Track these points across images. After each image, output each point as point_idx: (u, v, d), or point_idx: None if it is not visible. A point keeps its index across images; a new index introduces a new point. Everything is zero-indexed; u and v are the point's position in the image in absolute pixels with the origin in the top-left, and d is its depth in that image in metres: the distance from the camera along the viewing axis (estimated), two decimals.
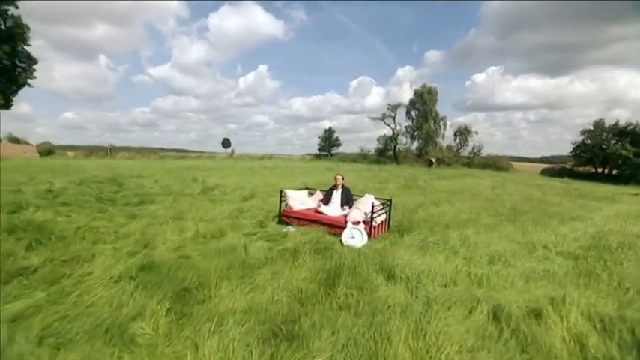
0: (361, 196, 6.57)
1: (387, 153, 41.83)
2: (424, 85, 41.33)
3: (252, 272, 3.56)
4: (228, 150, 55.17)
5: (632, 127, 27.19)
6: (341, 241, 5.26)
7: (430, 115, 40.97)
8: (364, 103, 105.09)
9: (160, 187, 10.48)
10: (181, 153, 46.83)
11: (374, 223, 5.48)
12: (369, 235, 5.37)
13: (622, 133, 27.38)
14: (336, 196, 6.51)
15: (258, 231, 5.69)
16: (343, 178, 6.66)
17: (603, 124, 28.97)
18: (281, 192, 6.54)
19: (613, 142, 27.14)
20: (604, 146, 27.35)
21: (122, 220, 5.82)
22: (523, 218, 7.79)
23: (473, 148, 40.39)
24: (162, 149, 55.14)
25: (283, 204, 6.58)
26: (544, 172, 35.29)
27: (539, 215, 8.29)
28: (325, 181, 15.06)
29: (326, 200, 6.52)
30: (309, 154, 55.37)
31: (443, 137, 41.17)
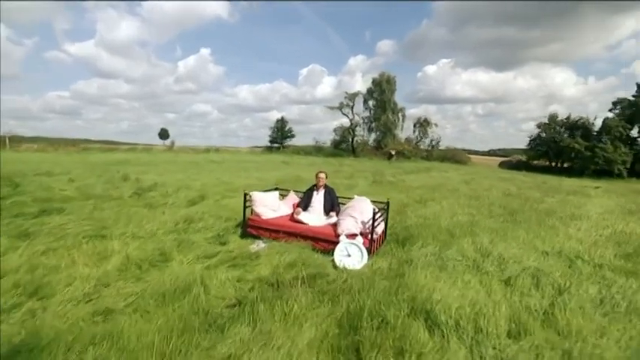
0: (348, 199, 5.54)
1: (343, 145, 41.47)
2: (382, 74, 41.34)
3: (222, 340, 2.30)
4: (167, 141, 50.91)
5: (582, 121, 29.69)
6: (334, 262, 4.18)
7: (389, 105, 41.17)
8: (315, 93, 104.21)
9: (76, 188, 8.47)
10: (110, 145, 41.94)
11: (374, 235, 4.47)
12: (369, 252, 4.35)
13: (573, 127, 29.80)
14: (318, 199, 5.39)
15: (217, 251, 4.37)
16: (327, 177, 5.55)
17: (557, 117, 31.31)
18: (245, 195, 5.25)
19: (565, 135, 29.42)
20: (557, 139, 29.54)
21: (5, 242, 4.12)
22: (521, 218, 7.38)
23: (431, 141, 41.62)
24: (87, 140, 49.25)
25: (248, 210, 5.31)
26: (502, 165, 37.56)
27: (533, 214, 7.97)
28: (285, 178, 13.85)
29: (304, 205, 5.37)
30: (257, 147, 53.27)
31: (402, 129, 41.81)
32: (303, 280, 3.49)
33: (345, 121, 41.61)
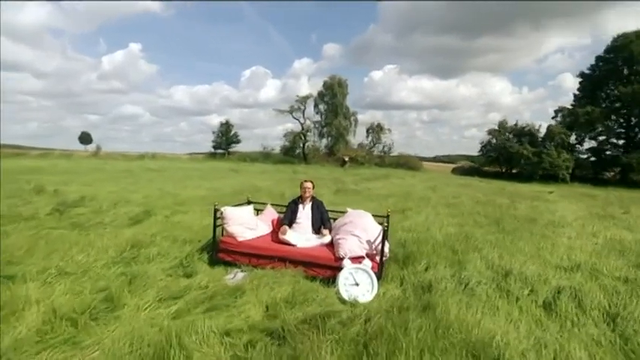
0: (339, 213, 4.93)
1: (294, 151, 40.94)
2: (333, 77, 41.51)
3: None
4: (90, 147, 46.15)
5: (528, 128, 32.42)
6: (339, 293, 3.51)
7: (340, 109, 41.39)
8: (258, 96, 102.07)
9: None
10: (15, 149, 36.67)
11: (383, 257, 3.88)
12: (379, 277, 3.75)
13: (521, 133, 32.40)
14: (305, 214, 4.69)
15: (183, 286, 3.46)
16: (314, 187, 4.87)
17: (506, 124, 33.85)
18: (215, 211, 4.37)
19: (514, 142, 31.84)
20: (507, 146, 31.87)
21: None
22: (509, 227, 7.34)
23: (383, 147, 42.69)
24: None
25: (218, 230, 4.44)
26: (455, 172, 39.66)
27: (517, 222, 8.02)
28: (241, 187, 12.87)
29: (288, 221, 4.63)
30: (196, 153, 50.65)
31: (354, 134, 42.35)
32: (311, 324, 2.78)
33: (292, 126, 41.10)
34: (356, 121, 42.57)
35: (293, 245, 4.23)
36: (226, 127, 45.75)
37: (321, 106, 41.68)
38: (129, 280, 3.44)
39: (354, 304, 3.33)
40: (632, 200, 14.47)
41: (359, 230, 4.03)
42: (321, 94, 41.51)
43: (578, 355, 2.34)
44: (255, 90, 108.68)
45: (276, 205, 5.28)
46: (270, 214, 5.00)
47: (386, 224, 3.97)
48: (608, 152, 30.85)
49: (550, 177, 28.21)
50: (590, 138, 31.15)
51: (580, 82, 32.24)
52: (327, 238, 4.33)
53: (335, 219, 4.82)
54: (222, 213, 4.34)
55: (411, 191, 15.28)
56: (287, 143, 40.14)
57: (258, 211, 5.10)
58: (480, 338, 2.48)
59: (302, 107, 40.22)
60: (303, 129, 40.03)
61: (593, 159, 31.28)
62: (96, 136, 71.96)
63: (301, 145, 40.09)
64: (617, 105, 29.73)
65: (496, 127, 34.29)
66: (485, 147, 35.11)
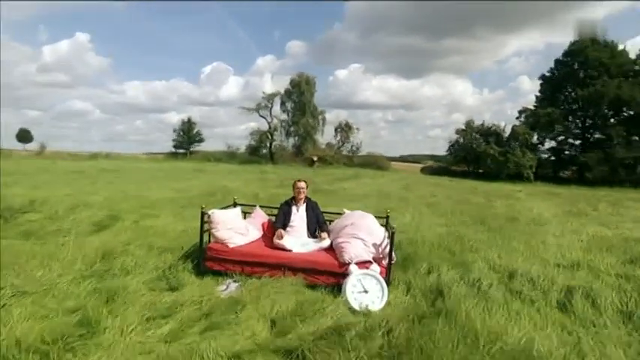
0: (334, 214, 4.71)
1: (260, 151, 40.29)
2: (301, 74, 41.22)
3: None
4: (30, 145, 42.71)
5: (494, 128, 33.93)
6: (348, 303, 3.28)
7: (308, 108, 41.26)
8: (219, 94, 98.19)
9: None
10: None
11: (391, 261, 3.69)
12: (388, 283, 3.56)
13: (487, 133, 33.83)
14: (299, 216, 4.41)
15: (170, 302, 3.07)
16: (307, 186, 4.61)
17: (473, 124, 35.21)
18: (203, 214, 3.98)
19: (481, 141, 33.21)
20: (475, 145, 33.17)
21: None
22: (494, 226, 7.46)
23: (351, 146, 43.04)
24: None
25: (205, 236, 4.06)
26: (424, 171, 40.73)
27: (501, 221, 8.19)
28: (211, 188, 12.29)
29: (282, 224, 4.32)
30: (153, 153, 48.54)
31: (322, 134, 42.34)
32: (329, 339, 2.53)
33: (258, 125, 40.34)
34: (324, 119, 42.52)
35: (289, 250, 3.95)
36: (188, 125, 44.21)
37: (289, 105, 41.34)
38: (105, 298, 3.01)
39: (366, 314, 3.12)
40: (596, 198, 15.41)
41: (363, 233, 3.83)
42: (288, 92, 41.09)
43: (620, 358, 2.26)
44: (216, 87, 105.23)
45: (265, 206, 4.96)
46: (260, 217, 4.67)
47: (393, 226, 3.79)
48: (566, 152, 32.98)
49: (515, 176, 29.65)
50: (550, 138, 33.16)
51: (541, 85, 34.26)
52: (326, 242, 4.08)
53: (331, 221, 4.60)
54: (209, 216, 3.97)
55: (386, 191, 15.36)
56: (253, 142, 39.38)
57: (245, 214, 4.76)
58: (518, 347, 2.34)
59: (269, 105, 39.64)
60: (270, 128, 39.41)
61: (553, 158, 33.29)
62: (37, 133, 66.66)
63: (268, 144, 39.44)
64: (575, 107, 31.86)
65: (463, 127, 35.59)
66: (453, 146, 36.33)
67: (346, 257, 3.65)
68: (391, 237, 3.66)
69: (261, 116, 39.89)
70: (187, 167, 24.87)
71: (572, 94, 31.60)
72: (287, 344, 2.46)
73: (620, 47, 30.68)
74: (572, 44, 31.77)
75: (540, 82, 34.24)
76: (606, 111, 30.22)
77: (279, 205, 4.55)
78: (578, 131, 32.31)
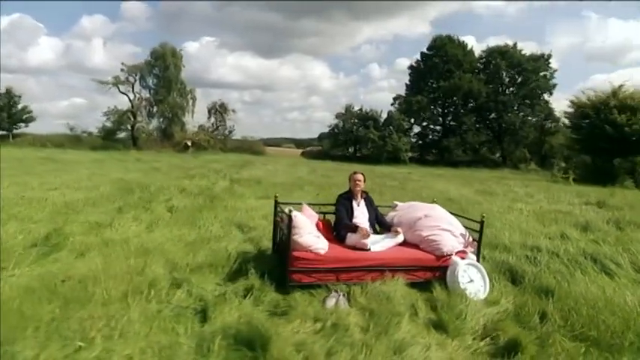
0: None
1: (115, 134, 35.53)
2: (165, 44, 37.73)
3: None
4: None
5: (371, 113, 37.90)
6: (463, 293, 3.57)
7: (175, 85, 38.20)
8: (26, 58, 78.96)
9: None
10: None
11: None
12: None
13: (365, 118, 37.57)
14: (361, 211, 4.39)
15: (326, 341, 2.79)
16: (365, 180, 4.59)
17: (352, 108, 38.57)
18: (276, 218, 3.59)
19: (360, 126, 36.75)
20: (354, 130, 36.51)
21: None
22: (455, 207, 8.66)
23: (226, 130, 41.89)
24: None
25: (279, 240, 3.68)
26: (304, 155, 42.57)
27: (449, 203, 9.53)
28: (123, 183, 10.24)
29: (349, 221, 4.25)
30: None
31: (192, 114, 39.92)
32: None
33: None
34: (194, 99, 39.80)
35: (367, 250, 3.94)
36: (9, 99, 34.92)
37: (150, 80, 37.19)
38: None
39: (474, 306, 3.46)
40: (483, 178, 19.08)
41: (445, 224, 4.11)
42: (149, 65, 36.84)
43: None
44: (21, 49, 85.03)
45: (313, 204, 4.72)
46: (312, 216, 4.42)
47: (483, 215, 4.18)
48: (430, 137, 39.44)
49: (393, 159, 33.95)
50: (416, 124, 39.10)
51: (409, 74, 39.79)
52: (400, 237, 4.19)
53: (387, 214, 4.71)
54: (290, 219, 3.59)
55: (298, 176, 15.69)
56: (109, 124, 34.12)
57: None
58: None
59: (132, 80, 34.95)
60: (132, 107, 34.76)
61: (420, 142, 39.37)
62: None
63: (129, 126, 34.81)
64: (436, 96, 38.21)
65: (343, 112, 38.61)
66: (333, 130, 39.09)
67: (445, 250, 3.89)
68: (481, 224, 4.04)
69: (122, 92, 34.87)
70: (29, 156, 19.76)
71: (434, 85, 37.74)
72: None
73: (469, 47, 38.09)
74: (435, 40, 37.87)
75: (409, 71, 39.75)
76: (461, 102, 37.24)
77: (335, 201, 4.41)
78: (439, 118, 38.92)
